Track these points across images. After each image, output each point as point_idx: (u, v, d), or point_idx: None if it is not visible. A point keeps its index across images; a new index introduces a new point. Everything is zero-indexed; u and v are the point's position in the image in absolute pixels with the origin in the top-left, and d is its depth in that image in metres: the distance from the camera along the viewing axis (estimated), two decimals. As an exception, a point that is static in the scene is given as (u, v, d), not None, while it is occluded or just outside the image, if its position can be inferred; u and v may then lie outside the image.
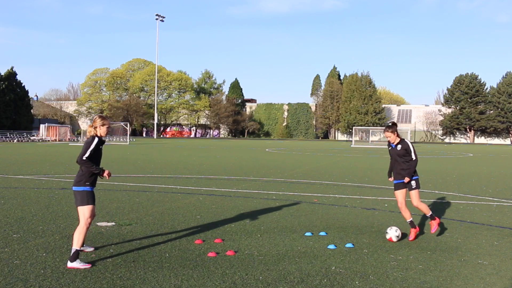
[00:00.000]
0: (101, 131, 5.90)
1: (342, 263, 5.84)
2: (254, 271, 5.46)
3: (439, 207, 10.28)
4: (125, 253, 6.10)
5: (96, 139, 5.81)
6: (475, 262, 6.04)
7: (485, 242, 7.17)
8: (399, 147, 7.26)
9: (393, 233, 7.06)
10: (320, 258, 6.04)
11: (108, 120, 6.08)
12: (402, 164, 7.23)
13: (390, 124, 7.39)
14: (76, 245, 5.56)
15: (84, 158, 5.68)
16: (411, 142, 7.35)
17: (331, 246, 6.61)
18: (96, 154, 5.84)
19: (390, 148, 7.42)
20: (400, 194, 7.28)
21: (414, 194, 7.22)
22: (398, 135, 7.32)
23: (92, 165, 5.71)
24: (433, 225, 7.23)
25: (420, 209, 7.29)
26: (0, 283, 4.90)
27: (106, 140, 64.31)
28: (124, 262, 5.73)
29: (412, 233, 7.19)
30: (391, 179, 7.52)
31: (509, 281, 5.34)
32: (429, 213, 7.25)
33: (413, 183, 7.22)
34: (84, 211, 5.69)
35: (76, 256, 5.51)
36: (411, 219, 7.24)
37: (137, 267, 5.51)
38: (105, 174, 5.83)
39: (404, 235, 7.32)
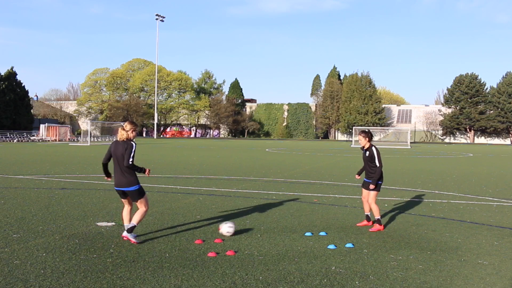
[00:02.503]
0: (132, 135, 6.71)
1: (342, 263, 5.84)
2: (254, 271, 5.46)
3: (439, 207, 10.28)
4: (125, 253, 6.10)
5: (134, 145, 6.65)
6: (475, 262, 6.04)
7: (485, 242, 7.17)
8: (367, 153, 8.06)
9: (225, 228, 7.15)
10: (320, 258, 6.04)
11: (138, 126, 7.07)
12: (369, 168, 8.03)
13: (365, 130, 8.16)
14: (135, 221, 6.60)
15: (130, 162, 6.51)
16: (378, 150, 8.03)
17: (331, 246, 6.61)
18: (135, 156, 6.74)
19: (362, 152, 8.26)
20: (364, 190, 8.22)
21: (372, 194, 7.97)
22: (369, 142, 8.06)
23: (137, 167, 6.63)
24: (375, 227, 7.82)
25: (372, 209, 7.94)
26: (0, 283, 4.90)
27: (107, 140, 64.25)
28: (124, 262, 5.73)
29: (363, 223, 8.15)
30: (358, 176, 8.67)
31: (509, 281, 5.34)
32: (377, 216, 7.87)
33: (372, 186, 7.92)
34: (144, 201, 6.75)
35: (132, 229, 6.58)
36: (368, 213, 8.19)
37: (137, 267, 5.52)
38: (147, 173, 6.83)
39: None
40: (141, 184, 6.84)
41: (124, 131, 6.65)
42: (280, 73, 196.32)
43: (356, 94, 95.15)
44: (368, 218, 8.17)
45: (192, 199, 10.86)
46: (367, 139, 8.01)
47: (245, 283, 5.03)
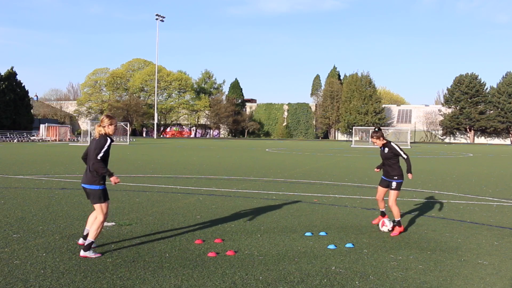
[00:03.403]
0: (109, 130, 6.08)
1: (342, 263, 5.84)
2: (254, 271, 5.46)
3: (439, 207, 10.27)
4: (125, 253, 6.10)
5: (109, 139, 5.98)
6: (475, 262, 6.04)
7: (485, 242, 7.17)
8: (386, 150, 7.73)
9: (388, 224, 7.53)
10: (320, 258, 6.04)
11: (116, 119, 6.24)
12: (391, 165, 7.70)
13: (376, 129, 7.81)
14: (92, 237, 5.91)
15: (98, 157, 5.85)
16: (397, 144, 7.78)
17: (331, 246, 6.61)
18: (107, 154, 6.00)
19: (380, 150, 7.93)
20: (381, 189, 7.95)
21: (392, 194, 7.67)
22: (384, 138, 7.76)
23: (104, 166, 5.88)
24: (396, 230, 7.55)
25: (392, 211, 7.63)
26: (0, 283, 4.90)
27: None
28: (124, 262, 5.73)
29: (377, 219, 7.99)
30: (378, 170, 8.27)
31: (509, 281, 5.34)
32: (398, 218, 7.60)
33: (394, 184, 7.66)
34: (102, 208, 6.01)
35: (90, 246, 5.88)
36: (384, 209, 7.97)
37: (137, 267, 5.51)
38: (112, 179, 5.96)
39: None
40: (106, 188, 6.12)
41: (100, 127, 6.07)
42: (280, 73, 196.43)
43: (356, 94, 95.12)
44: (383, 213, 7.93)
45: (192, 199, 10.85)
46: (381, 138, 7.71)
47: (245, 283, 5.03)
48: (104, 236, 6.99)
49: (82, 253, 5.86)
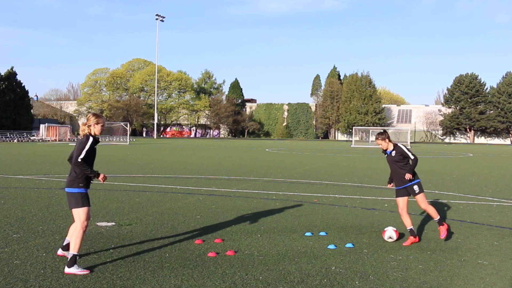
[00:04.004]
0: (95, 129, 5.58)
1: (342, 263, 5.84)
2: (254, 271, 5.46)
3: (439, 207, 10.27)
4: (125, 253, 6.10)
5: (91, 139, 5.50)
6: (475, 262, 6.04)
7: (485, 242, 7.17)
8: (393, 153, 7.12)
9: (389, 233, 7.09)
10: (320, 258, 6.04)
11: (103, 118, 5.77)
12: (401, 169, 7.07)
13: (381, 131, 7.27)
14: (73, 250, 5.33)
15: (79, 159, 5.38)
16: (404, 145, 7.25)
17: (331, 246, 6.61)
18: (91, 155, 5.54)
19: (386, 156, 7.28)
20: (401, 200, 7.16)
21: (420, 198, 7.09)
22: (390, 141, 7.18)
23: (87, 167, 5.41)
24: (442, 231, 7.06)
25: (428, 212, 7.13)
26: (0, 283, 4.90)
27: (107, 140, 63.48)
28: (124, 262, 5.73)
29: (409, 240, 6.97)
30: (391, 185, 7.48)
31: (509, 281, 5.34)
32: (437, 217, 7.08)
33: (415, 187, 7.07)
34: (79, 214, 5.41)
35: (74, 261, 5.28)
36: (412, 227, 7.06)
37: (137, 267, 5.51)
38: (100, 178, 5.54)
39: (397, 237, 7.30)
40: (87, 194, 5.56)
41: (85, 126, 5.58)
42: (280, 73, 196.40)
43: (356, 94, 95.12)
44: (413, 233, 7.01)
45: (192, 199, 10.85)
46: (386, 139, 7.11)
47: (245, 283, 5.03)
48: (104, 236, 6.99)
49: (66, 269, 5.25)
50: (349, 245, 6.73)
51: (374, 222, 8.54)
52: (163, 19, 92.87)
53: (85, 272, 5.26)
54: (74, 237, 5.40)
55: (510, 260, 6.18)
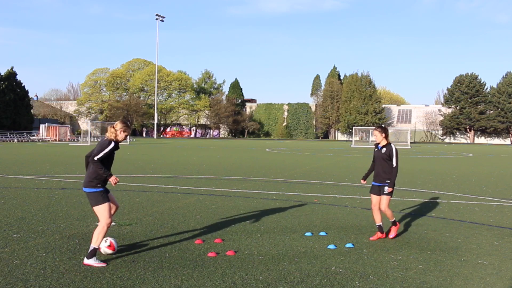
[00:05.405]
0: (120, 136, 5.95)
1: (342, 263, 5.84)
2: (254, 271, 5.46)
3: (439, 207, 10.28)
4: (125, 253, 6.09)
5: (112, 144, 5.83)
6: (475, 262, 6.04)
7: (485, 242, 7.17)
8: (383, 150, 7.30)
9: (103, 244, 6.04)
10: (320, 258, 6.04)
11: (130, 128, 6.11)
12: (383, 167, 7.25)
13: (383, 126, 7.48)
14: (95, 243, 5.65)
15: (96, 158, 5.70)
16: (397, 149, 7.34)
17: (331, 246, 6.61)
18: (109, 158, 5.89)
19: (375, 150, 7.45)
20: (375, 197, 7.38)
21: (385, 199, 7.22)
22: (386, 139, 7.35)
23: (102, 167, 5.70)
24: (393, 230, 7.34)
25: (386, 214, 7.28)
26: (0, 283, 4.90)
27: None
28: (124, 262, 5.73)
29: (376, 236, 7.26)
30: (364, 181, 7.77)
31: (509, 281, 5.34)
32: (392, 219, 7.34)
33: (386, 188, 7.21)
34: (101, 211, 5.76)
35: (93, 254, 5.62)
36: (381, 223, 7.30)
37: (137, 267, 5.51)
38: (112, 179, 5.76)
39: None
40: (104, 191, 5.84)
41: (114, 130, 5.92)
42: (280, 73, 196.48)
43: (356, 94, 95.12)
44: (381, 229, 7.28)
45: (192, 199, 10.85)
46: (383, 134, 7.28)
47: (245, 283, 5.03)
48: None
49: (85, 260, 5.63)
50: (349, 245, 6.73)
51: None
52: (163, 19, 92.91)
53: (102, 264, 5.58)
54: (97, 232, 5.72)
55: (510, 260, 6.18)
